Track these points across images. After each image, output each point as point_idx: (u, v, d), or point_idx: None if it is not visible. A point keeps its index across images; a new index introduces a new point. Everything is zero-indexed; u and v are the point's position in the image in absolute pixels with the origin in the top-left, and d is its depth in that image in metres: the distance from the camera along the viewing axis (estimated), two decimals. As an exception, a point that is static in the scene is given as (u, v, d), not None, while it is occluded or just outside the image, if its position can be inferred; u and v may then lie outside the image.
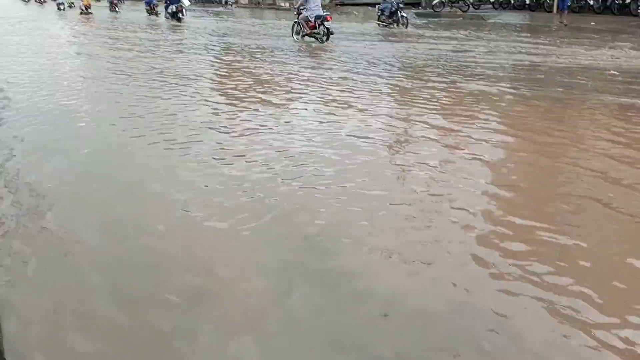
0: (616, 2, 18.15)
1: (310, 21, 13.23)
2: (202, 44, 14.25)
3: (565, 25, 15.83)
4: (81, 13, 27.88)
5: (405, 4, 23.32)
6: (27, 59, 11.87)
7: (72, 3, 33.84)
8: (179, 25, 20.57)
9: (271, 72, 9.47)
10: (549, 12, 19.54)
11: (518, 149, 4.95)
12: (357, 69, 9.63)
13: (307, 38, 13.66)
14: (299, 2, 13.92)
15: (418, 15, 23.10)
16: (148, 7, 26.53)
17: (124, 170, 4.67)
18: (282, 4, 34.14)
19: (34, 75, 9.64)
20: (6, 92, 8.02)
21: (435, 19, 20.93)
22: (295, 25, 14.13)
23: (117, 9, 29.96)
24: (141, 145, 5.26)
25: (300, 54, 12.10)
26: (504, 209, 3.62)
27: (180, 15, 21.87)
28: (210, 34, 17.15)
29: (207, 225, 3.51)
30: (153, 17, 25.31)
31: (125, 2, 37.54)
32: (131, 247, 3.30)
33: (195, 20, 24.10)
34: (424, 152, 4.87)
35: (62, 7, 32.47)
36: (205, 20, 24.62)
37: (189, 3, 37.04)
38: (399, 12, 16.88)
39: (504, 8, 22.20)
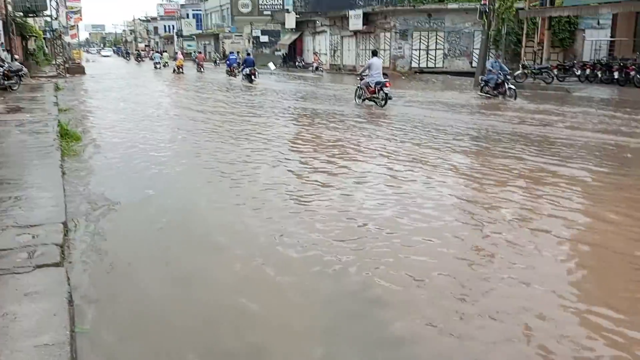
0: None
1: (370, 86, 13.94)
2: (281, 106, 14.91)
3: None
4: (174, 72, 30.74)
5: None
6: (127, 113, 12.96)
7: (167, 62, 37.35)
8: (261, 88, 21.65)
9: (347, 139, 9.63)
10: (638, 87, 18.70)
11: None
12: (434, 139, 9.57)
13: (367, 101, 14.34)
14: (362, 69, 14.95)
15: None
16: (228, 69, 28.73)
17: (205, 223, 4.84)
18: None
19: (131, 128, 10.45)
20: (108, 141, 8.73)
21: (519, 90, 20.66)
22: (358, 89, 14.87)
23: (202, 69, 33.07)
24: (222, 199, 5.47)
25: (375, 120, 12.27)
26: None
27: (252, 77, 23.59)
28: (289, 97, 17.94)
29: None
30: (232, 77, 27.20)
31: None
32: (206, 299, 3.37)
33: (278, 83, 25.41)
34: (505, 235, 4.67)
35: (158, 66, 36.26)
36: (287, 84, 25.85)
37: (274, 67, 39.33)
38: (506, 83, 16.17)
39: (590, 82, 21.49)
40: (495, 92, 16.35)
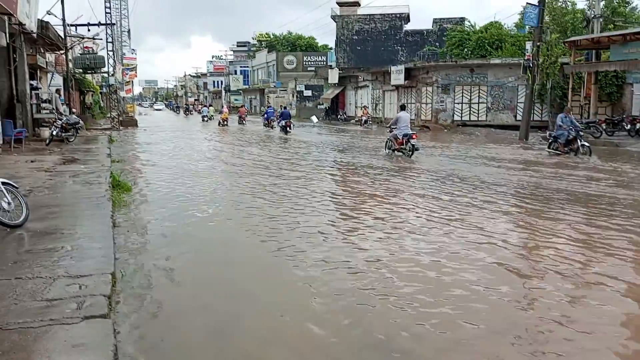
0: None
1: (398, 138, 14.93)
2: (322, 159, 15.07)
3: None
4: (219, 124, 32.56)
5: (531, 127, 23.09)
6: (174, 165, 13.40)
7: (212, 115, 40.13)
8: (299, 139, 22.04)
9: (381, 190, 9.58)
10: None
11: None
12: (482, 197, 9.38)
13: (395, 152, 15.20)
14: (391, 122, 15.94)
15: (545, 139, 22.52)
16: (266, 121, 31.09)
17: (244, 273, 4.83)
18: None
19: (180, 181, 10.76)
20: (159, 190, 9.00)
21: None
22: (388, 141, 15.76)
23: (244, 122, 36.07)
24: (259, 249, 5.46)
25: (415, 176, 12.19)
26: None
27: (287, 129, 25.36)
28: (331, 149, 18.14)
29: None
30: (269, 129, 29.44)
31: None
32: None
33: (317, 135, 25.86)
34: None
35: (205, 118, 38.77)
36: (328, 136, 26.25)
37: (317, 120, 40.55)
38: (578, 139, 15.20)
39: (641, 135, 20.85)
40: (566, 148, 15.43)
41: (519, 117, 27.41)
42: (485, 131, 27.12)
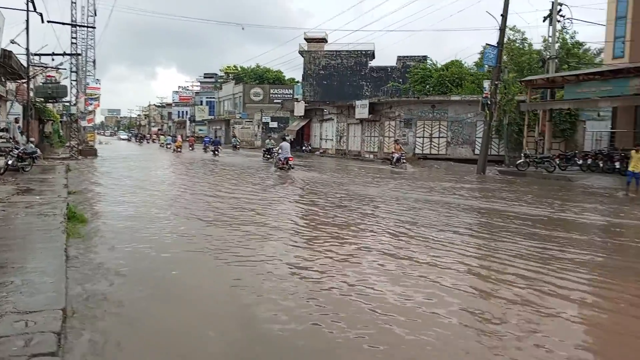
0: None
1: (281, 160, 21.62)
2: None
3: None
4: (173, 151, 38.20)
5: (488, 161, 23.89)
6: (131, 194, 13.18)
7: (169, 143, 44.46)
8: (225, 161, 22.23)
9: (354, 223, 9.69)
10: None
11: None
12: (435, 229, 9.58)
13: (278, 170, 21.32)
14: (277, 149, 23.58)
15: (501, 172, 23.30)
16: (204, 147, 39.68)
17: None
18: (367, 156, 36.06)
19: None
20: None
21: (521, 178, 20.94)
22: (275, 161, 23.05)
23: (192, 148, 44.06)
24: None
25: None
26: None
27: (216, 152, 34.05)
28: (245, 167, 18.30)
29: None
30: (204, 154, 36.04)
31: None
32: None
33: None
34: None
35: (164, 146, 45.65)
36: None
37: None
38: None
39: (592, 171, 21.81)
40: None
41: (477, 151, 28.29)
42: (445, 164, 27.84)
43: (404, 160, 26.36)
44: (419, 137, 32.42)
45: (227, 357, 3.95)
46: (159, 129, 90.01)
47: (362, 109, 36.02)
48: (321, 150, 44.35)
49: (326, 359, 3.94)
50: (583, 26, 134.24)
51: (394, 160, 26.31)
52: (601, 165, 21.96)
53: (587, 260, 6.97)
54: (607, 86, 20.85)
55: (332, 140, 43.20)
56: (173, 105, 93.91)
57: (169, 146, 44.20)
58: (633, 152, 16.11)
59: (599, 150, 23.74)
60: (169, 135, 53.20)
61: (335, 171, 24.06)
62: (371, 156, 35.54)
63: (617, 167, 20.30)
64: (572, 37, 30.80)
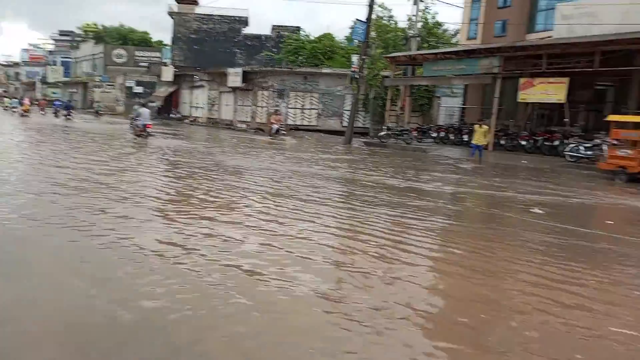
0: (546, 144, 20.03)
1: (139, 127, 19.59)
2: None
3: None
4: (21, 115, 33.50)
5: (354, 133, 25.02)
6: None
7: (15, 107, 38.86)
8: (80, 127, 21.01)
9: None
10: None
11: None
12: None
13: (136, 137, 19.58)
14: (134, 115, 21.00)
15: (366, 144, 24.56)
16: (54, 111, 35.96)
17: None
18: (239, 125, 35.66)
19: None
20: None
21: (383, 149, 22.29)
22: (131, 128, 21.58)
23: (44, 112, 38.83)
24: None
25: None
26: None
27: (69, 116, 30.89)
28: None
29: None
30: (56, 118, 33.23)
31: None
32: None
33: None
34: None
35: (14, 110, 37.68)
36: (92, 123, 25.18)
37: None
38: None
39: (445, 143, 24.02)
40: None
41: (344, 123, 29.43)
42: (317, 135, 28.60)
43: (284, 132, 25.70)
44: (291, 108, 32.80)
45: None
46: (3, 91, 79.94)
47: (235, 77, 35.36)
48: (191, 119, 42.91)
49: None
50: (444, 7, 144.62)
51: (272, 131, 25.34)
52: (452, 138, 24.22)
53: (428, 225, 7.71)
54: (460, 65, 22.76)
55: (203, 108, 41.94)
56: (22, 64, 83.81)
57: (14, 110, 39.28)
58: (476, 126, 17.95)
59: (450, 125, 26.12)
60: (15, 98, 46.97)
61: (205, 140, 23.49)
62: (244, 126, 35.20)
63: (465, 139, 22.50)
64: (433, 18, 32.93)
